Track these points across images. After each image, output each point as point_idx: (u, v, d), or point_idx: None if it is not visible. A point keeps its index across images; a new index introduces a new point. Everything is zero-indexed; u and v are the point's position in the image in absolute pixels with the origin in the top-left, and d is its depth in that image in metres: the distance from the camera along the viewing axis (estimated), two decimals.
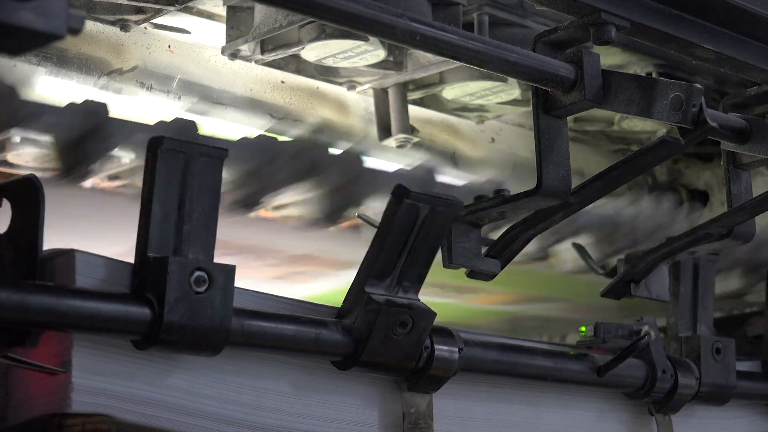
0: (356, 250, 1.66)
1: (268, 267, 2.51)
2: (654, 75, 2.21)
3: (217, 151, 1.36)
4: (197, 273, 1.32)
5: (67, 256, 1.32)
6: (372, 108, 2.20)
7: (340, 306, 1.54)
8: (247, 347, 1.42)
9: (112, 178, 2.51)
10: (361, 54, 1.93)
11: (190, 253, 1.33)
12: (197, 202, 1.34)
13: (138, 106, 2.00)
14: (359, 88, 2.14)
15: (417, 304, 1.53)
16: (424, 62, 2.01)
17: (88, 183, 2.50)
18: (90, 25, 1.90)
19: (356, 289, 1.51)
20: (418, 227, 1.51)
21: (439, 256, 1.61)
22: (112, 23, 1.92)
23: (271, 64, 2.02)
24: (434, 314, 1.54)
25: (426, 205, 1.50)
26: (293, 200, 2.11)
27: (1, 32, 0.98)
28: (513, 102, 2.23)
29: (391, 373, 1.56)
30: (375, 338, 1.49)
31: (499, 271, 1.72)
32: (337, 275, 2.47)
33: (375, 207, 2.09)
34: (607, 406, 1.88)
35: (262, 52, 1.92)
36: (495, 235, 1.77)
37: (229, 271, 1.35)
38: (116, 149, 2.15)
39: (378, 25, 1.35)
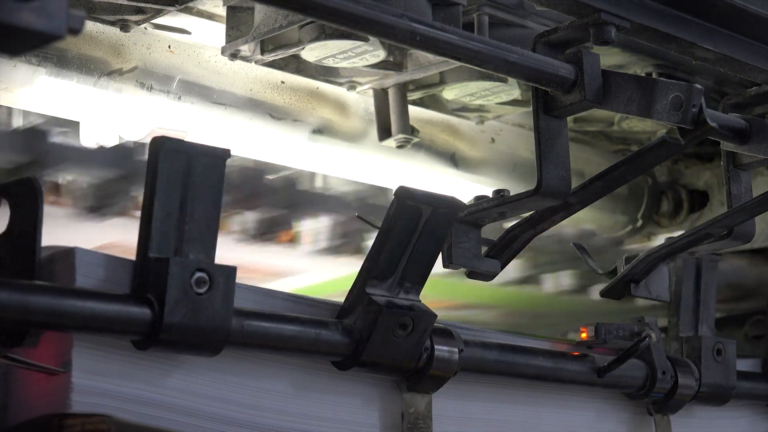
0: None
1: None
2: (654, 75, 2.21)
3: (220, 151, 1.36)
4: (198, 274, 1.32)
5: (68, 254, 1.32)
6: (372, 108, 2.19)
7: (340, 302, 1.54)
8: (247, 347, 1.42)
9: None
10: (361, 54, 1.93)
11: (191, 253, 1.33)
12: (199, 203, 1.34)
13: (138, 106, 2.00)
14: (359, 89, 2.14)
15: (418, 305, 1.53)
16: (424, 62, 2.01)
17: None
18: (90, 26, 1.90)
19: (357, 290, 1.51)
20: (420, 228, 1.51)
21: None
22: (112, 23, 1.92)
23: (271, 65, 2.02)
24: (435, 316, 1.54)
25: (428, 206, 1.50)
26: None
27: (1, 32, 0.98)
28: (513, 102, 2.23)
29: (391, 373, 1.56)
30: (375, 339, 1.49)
31: (499, 272, 1.72)
32: None
33: None
34: (606, 407, 1.88)
35: (262, 52, 1.91)
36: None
37: (230, 272, 1.35)
38: None
39: (378, 26, 1.35)
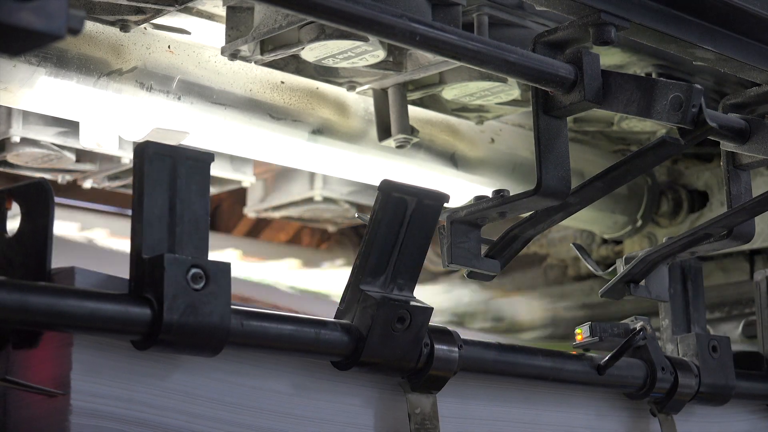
0: None
1: None
2: (654, 75, 2.21)
3: (203, 155, 1.37)
4: (193, 270, 1.32)
5: (67, 273, 1.32)
6: (372, 108, 2.20)
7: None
8: (247, 347, 1.42)
9: (112, 178, 2.52)
10: (360, 54, 1.93)
11: (184, 253, 1.33)
12: (187, 205, 1.35)
13: (138, 106, 2.01)
14: (359, 89, 2.14)
15: (413, 300, 1.53)
16: (423, 62, 2.01)
17: (87, 183, 2.51)
18: (90, 26, 1.90)
19: (352, 289, 1.51)
20: (407, 222, 1.51)
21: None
22: (112, 23, 1.92)
23: (270, 65, 2.02)
24: (431, 309, 1.54)
25: (413, 197, 1.51)
26: None
27: (1, 32, 0.98)
28: (513, 102, 2.23)
29: (392, 372, 1.56)
30: (374, 335, 1.49)
31: (499, 272, 1.72)
32: None
33: None
34: (606, 406, 1.88)
35: (262, 52, 1.92)
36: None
37: (225, 267, 1.35)
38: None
39: (378, 25, 1.35)
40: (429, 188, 1.53)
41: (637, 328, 1.83)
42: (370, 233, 1.51)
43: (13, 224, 1.36)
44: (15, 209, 1.36)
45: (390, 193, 1.50)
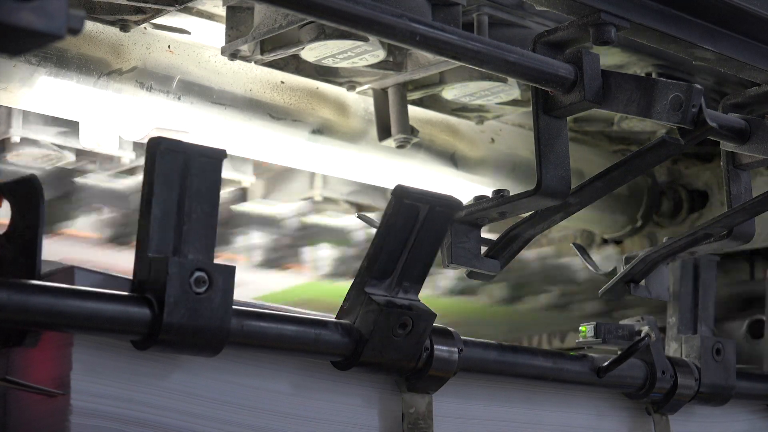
0: None
1: None
2: (654, 75, 2.21)
3: (216, 151, 1.36)
4: (197, 274, 1.31)
5: (66, 272, 1.32)
6: (372, 108, 2.20)
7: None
8: (247, 347, 1.42)
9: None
10: (360, 54, 1.93)
11: (189, 253, 1.33)
12: (197, 203, 1.34)
13: (138, 106, 2.00)
14: (359, 89, 2.14)
15: (417, 305, 1.53)
16: (423, 62, 2.01)
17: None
18: (90, 26, 1.90)
19: (356, 290, 1.51)
20: (417, 227, 1.51)
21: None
22: (112, 23, 1.92)
23: (270, 65, 2.02)
24: (434, 315, 1.54)
25: (425, 205, 1.51)
26: None
27: (1, 32, 0.98)
28: (513, 102, 2.23)
29: (391, 373, 1.56)
30: (375, 339, 1.49)
31: (499, 272, 1.72)
32: None
33: None
34: (606, 406, 1.88)
35: (262, 52, 1.91)
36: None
37: (229, 271, 1.35)
38: None
39: (378, 25, 1.35)
40: (442, 195, 1.53)
41: (642, 333, 1.83)
42: (380, 237, 1.50)
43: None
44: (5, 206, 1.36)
45: (402, 199, 1.49)
